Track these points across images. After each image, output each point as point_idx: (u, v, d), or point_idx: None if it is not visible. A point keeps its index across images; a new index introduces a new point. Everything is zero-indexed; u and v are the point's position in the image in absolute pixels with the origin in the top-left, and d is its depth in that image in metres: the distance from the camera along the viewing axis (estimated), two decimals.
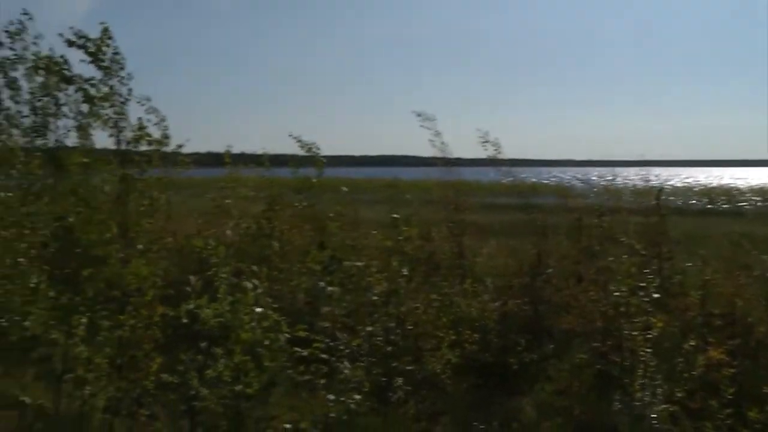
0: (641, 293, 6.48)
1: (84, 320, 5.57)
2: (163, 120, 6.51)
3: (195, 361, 5.36)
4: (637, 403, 6.03)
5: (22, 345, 5.86)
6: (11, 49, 7.16)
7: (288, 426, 5.37)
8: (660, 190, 9.62)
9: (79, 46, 6.31)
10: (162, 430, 5.83)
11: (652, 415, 5.87)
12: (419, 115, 9.53)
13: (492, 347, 7.46)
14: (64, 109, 7.09)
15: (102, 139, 6.95)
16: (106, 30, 6.40)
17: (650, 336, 6.23)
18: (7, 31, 7.09)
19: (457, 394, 6.64)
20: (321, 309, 6.35)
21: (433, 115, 9.56)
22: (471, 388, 6.86)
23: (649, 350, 6.18)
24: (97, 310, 5.59)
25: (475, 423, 6.42)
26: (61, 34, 6.38)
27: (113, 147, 6.49)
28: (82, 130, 6.73)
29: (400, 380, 6.16)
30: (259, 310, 5.17)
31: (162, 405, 5.97)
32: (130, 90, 6.51)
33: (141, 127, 6.48)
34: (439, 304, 6.92)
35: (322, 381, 5.72)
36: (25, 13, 7.29)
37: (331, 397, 5.74)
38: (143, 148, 6.32)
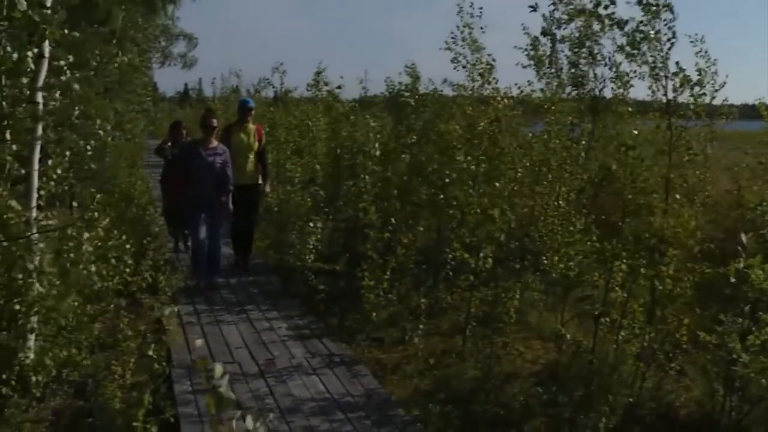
0: None
1: (624, 266, 5.68)
2: (713, 65, 6.18)
3: (737, 324, 4.99)
4: None
5: (563, 283, 6.30)
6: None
7: None
8: None
9: None
10: (692, 390, 5.65)
11: None
12: None
13: None
14: (601, 60, 7.35)
15: (640, 90, 6.92)
16: None
17: None
18: None
19: None
20: None
21: None
22: None
23: None
24: (637, 257, 5.63)
25: None
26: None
27: (651, 98, 6.42)
28: (620, 80, 6.85)
29: None
30: None
31: (694, 363, 5.78)
32: (674, 33, 6.36)
33: (682, 73, 6.26)
34: None
35: None
36: None
37: None
38: (687, 97, 6.09)
